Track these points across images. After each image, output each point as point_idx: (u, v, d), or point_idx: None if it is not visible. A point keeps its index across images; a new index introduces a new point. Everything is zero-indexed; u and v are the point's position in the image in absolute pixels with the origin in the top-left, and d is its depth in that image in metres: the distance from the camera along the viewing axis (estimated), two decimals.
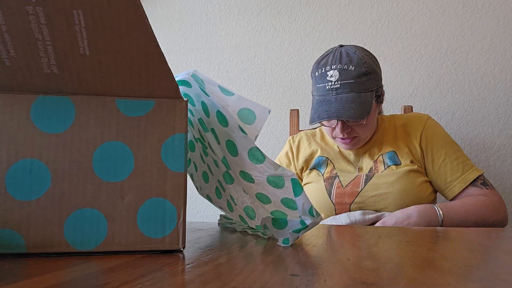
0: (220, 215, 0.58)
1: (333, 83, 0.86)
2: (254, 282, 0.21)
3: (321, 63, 0.90)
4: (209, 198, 0.53)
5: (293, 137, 1.10)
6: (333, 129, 0.92)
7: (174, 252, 0.32)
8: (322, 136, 1.05)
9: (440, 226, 0.80)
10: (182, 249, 0.32)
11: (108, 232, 0.31)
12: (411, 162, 0.90)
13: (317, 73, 0.91)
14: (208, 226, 0.56)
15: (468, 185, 0.87)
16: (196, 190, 0.55)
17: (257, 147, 0.35)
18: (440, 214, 0.80)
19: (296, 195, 0.35)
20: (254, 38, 1.51)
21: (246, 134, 0.35)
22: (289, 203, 0.37)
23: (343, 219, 0.85)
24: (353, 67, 0.86)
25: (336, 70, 0.87)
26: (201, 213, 1.52)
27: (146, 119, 0.32)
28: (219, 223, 0.58)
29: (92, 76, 0.30)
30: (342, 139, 0.92)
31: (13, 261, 0.28)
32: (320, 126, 1.12)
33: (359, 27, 1.39)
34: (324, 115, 0.86)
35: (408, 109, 1.21)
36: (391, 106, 1.34)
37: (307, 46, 1.45)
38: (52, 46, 0.28)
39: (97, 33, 0.27)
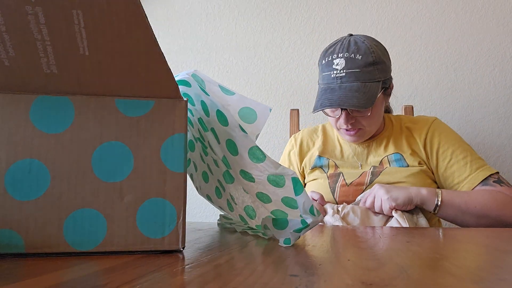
0: (220, 215, 0.58)
1: (338, 71, 0.85)
2: (254, 283, 0.21)
3: (329, 51, 0.89)
4: (209, 198, 0.52)
5: (295, 136, 1.07)
6: (338, 119, 0.89)
7: (174, 253, 0.32)
8: (324, 135, 1.03)
9: (434, 209, 0.77)
10: (181, 249, 0.32)
11: (108, 232, 0.31)
12: (419, 163, 0.88)
13: (323, 61, 0.89)
14: (208, 226, 0.56)
15: (477, 185, 0.82)
16: (196, 190, 0.55)
17: (257, 146, 0.35)
18: (438, 200, 0.77)
19: (296, 194, 0.35)
20: (254, 38, 1.51)
21: (247, 133, 0.35)
22: (289, 202, 0.37)
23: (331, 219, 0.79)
24: (360, 56, 0.84)
25: (342, 59, 0.85)
26: (201, 213, 1.52)
27: (146, 119, 0.32)
28: (218, 223, 0.58)
29: (91, 76, 0.30)
30: (346, 130, 0.90)
31: (12, 261, 0.28)
32: (323, 123, 1.10)
33: (359, 27, 1.39)
34: (327, 103, 0.83)
35: (408, 109, 1.21)
36: (391, 106, 1.34)
37: (307, 46, 1.45)
38: (52, 46, 0.28)
39: (97, 33, 0.27)
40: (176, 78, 0.40)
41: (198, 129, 0.43)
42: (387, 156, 0.92)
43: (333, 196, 0.89)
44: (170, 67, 0.30)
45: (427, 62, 1.33)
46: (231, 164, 0.39)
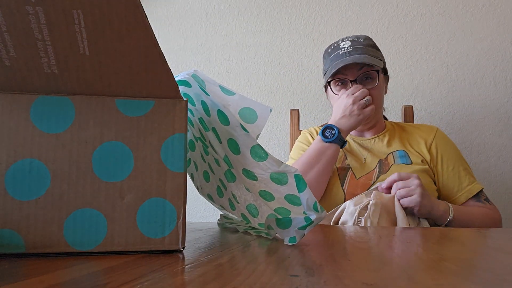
0: (221, 215, 0.58)
1: (346, 48, 0.95)
2: (254, 283, 0.21)
3: (332, 43, 1.00)
4: (210, 197, 0.52)
5: (308, 130, 1.11)
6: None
7: (174, 252, 0.32)
8: None
9: (446, 225, 0.82)
10: (181, 249, 0.32)
11: (108, 232, 0.31)
12: (422, 161, 0.93)
13: (329, 50, 0.99)
14: (208, 226, 0.55)
15: (472, 197, 0.91)
16: (196, 190, 0.55)
17: (259, 145, 0.35)
18: (451, 216, 0.82)
19: (300, 191, 0.35)
20: (254, 38, 1.51)
21: (248, 132, 0.35)
22: (293, 200, 0.37)
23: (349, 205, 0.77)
24: (363, 40, 0.97)
25: (348, 41, 0.97)
26: (201, 213, 1.52)
27: (146, 119, 0.32)
28: (219, 223, 0.58)
29: (91, 76, 0.30)
30: None
31: (12, 261, 0.28)
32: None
33: (359, 27, 1.39)
34: (340, 64, 0.91)
35: (409, 109, 1.21)
36: (391, 106, 1.34)
37: (307, 46, 1.45)
38: (52, 46, 0.28)
39: (97, 33, 0.27)
40: (176, 78, 0.40)
41: (199, 129, 0.43)
42: (392, 152, 0.95)
43: (342, 187, 0.92)
44: (170, 67, 0.30)
45: (427, 61, 1.33)
46: (233, 163, 0.39)
